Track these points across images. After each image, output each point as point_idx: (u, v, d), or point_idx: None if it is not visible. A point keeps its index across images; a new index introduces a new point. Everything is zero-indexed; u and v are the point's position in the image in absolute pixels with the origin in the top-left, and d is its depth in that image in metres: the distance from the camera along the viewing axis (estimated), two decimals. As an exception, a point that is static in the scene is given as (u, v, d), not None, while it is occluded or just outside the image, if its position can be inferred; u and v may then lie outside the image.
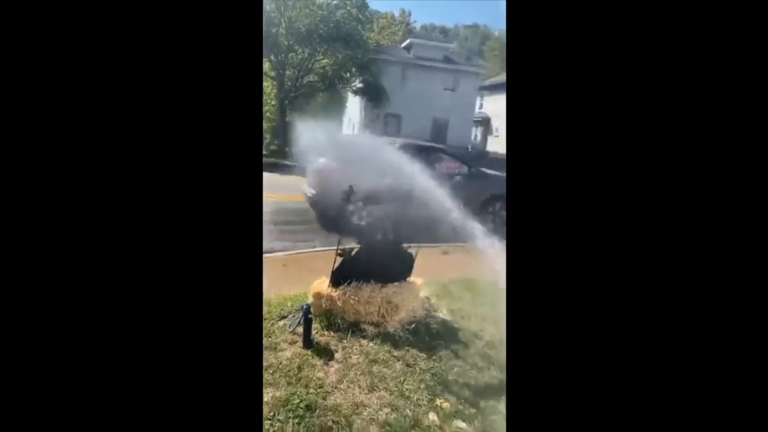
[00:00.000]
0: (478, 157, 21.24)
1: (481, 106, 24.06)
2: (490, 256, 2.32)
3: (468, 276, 3.66)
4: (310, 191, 4.99)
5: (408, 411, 1.80)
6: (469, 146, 20.25)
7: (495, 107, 23.41)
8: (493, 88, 23.78)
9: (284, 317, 2.50)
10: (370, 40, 17.22)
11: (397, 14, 35.45)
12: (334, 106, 17.64)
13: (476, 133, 23.73)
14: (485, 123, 23.85)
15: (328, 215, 3.86)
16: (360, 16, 15.08)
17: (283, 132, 15.75)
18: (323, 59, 15.18)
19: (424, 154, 4.93)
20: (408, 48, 18.55)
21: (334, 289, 2.43)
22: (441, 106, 17.75)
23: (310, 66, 15.21)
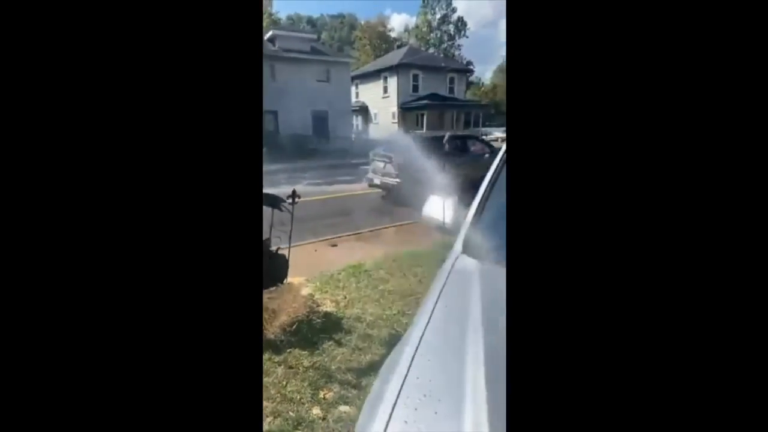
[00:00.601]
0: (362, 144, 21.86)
1: (356, 95, 24.62)
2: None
3: (356, 262, 3.78)
4: (389, 179, 6.96)
5: (291, 413, 1.80)
6: (353, 135, 20.66)
7: (370, 95, 24.24)
8: (365, 77, 24.51)
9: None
10: (228, 34, 15.91)
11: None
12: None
13: (357, 122, 24.29)
14: (364, 111, 24.55)
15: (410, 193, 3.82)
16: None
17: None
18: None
19: (464, 140, 8.16)
20: (272, 40, 17.77)
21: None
22: (317, 98, 17.59)
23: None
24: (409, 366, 0.91)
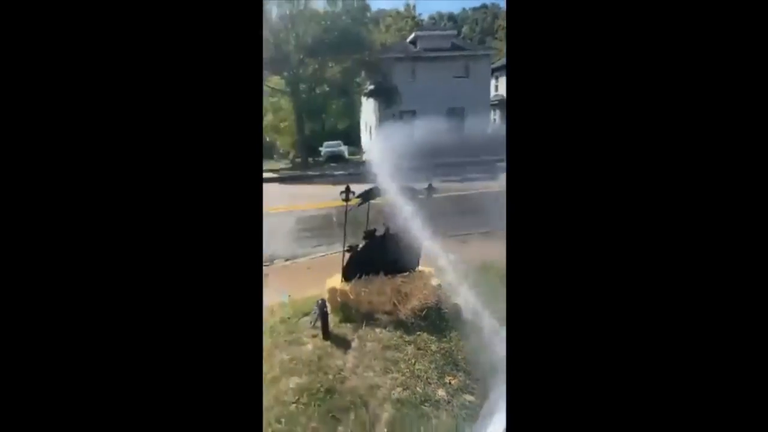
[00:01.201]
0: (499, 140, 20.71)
1: (496, 88, 23.44)
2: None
3: (487, 261, 3.72)
4: None
5: (418, 389, 1.94)
6: (489, 129, 19.83)
7: (513, 87, 22.63)
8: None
9: (307, 314, 2.71)
10: (377, 41, 17.38)
11: (402, 10, 35.32)
12: (350, 112, 17.95)
13: (495, 116, 23.16)
14: (503, 105, 23.22)
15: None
16: (363, 18, 15.29)
17: (303, 145, 16.28)
18: (333, 67, 15.53)
19: None
20: (414, 42, 18.51)
21: (346, 284, 2.61)
22: (454, 94, 17.54)
23: (321, 76, 15.63)
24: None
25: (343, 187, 2.52)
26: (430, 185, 2.77)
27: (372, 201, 2.64)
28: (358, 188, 2.63)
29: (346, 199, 2.49)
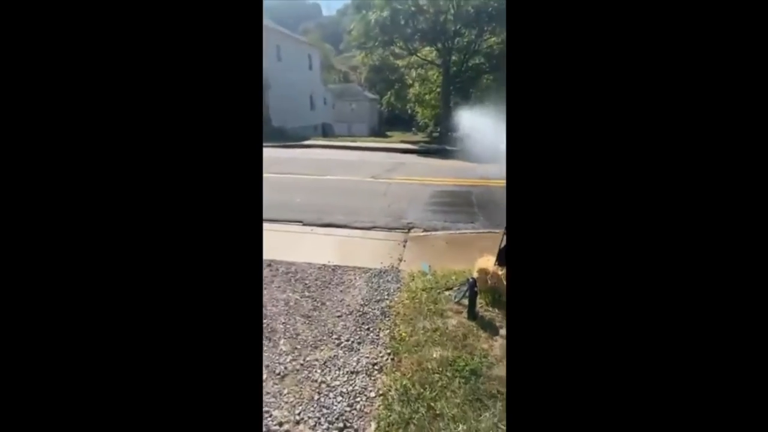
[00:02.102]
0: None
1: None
2: None
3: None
4: None
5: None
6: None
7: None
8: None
9: (449, 289, 2.67)
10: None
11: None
12: (501, 87, 16.80)
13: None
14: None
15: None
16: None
17: (447, 118, 16.06)
18: (490, 38, 14.59)
19: None
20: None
21: (500, 268, 2.44)
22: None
23: (476, 48, 14.89)
24: None
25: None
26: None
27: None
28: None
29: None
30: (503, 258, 2.46)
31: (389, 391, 1.77)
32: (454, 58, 15.31)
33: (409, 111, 22.18)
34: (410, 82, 19.41)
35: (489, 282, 2.47)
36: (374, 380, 1.86)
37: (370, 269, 3.11)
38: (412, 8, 13.77)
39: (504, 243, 2.45)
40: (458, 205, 5.65)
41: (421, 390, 1.77)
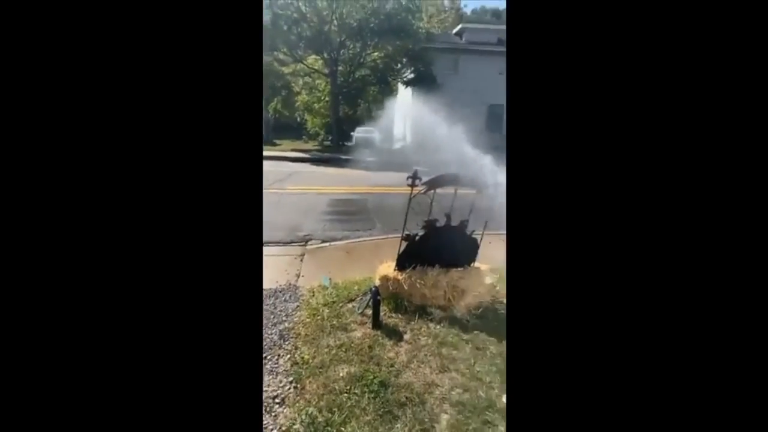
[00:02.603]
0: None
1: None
2: None
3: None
4: None
5: (481, 392, 1.79)
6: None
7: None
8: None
9: (352, 300, 2.59)
10: (420, 30, 16.98)
11: (446, 1, 34.47)
12: (386, 99, 17.70)
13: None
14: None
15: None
16: (410, 5, 14.91)
17: (337, 128, 16.19)
18: (374, 52, 15.30)
19: None
20: (460, 34, 18.00)
21: (400, 273, 2.47)
22: (497, 91, 17.01)
23: (361, 60, 15.41)
24: None
25: (411, 173, 2.36)
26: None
27: (438, 190, 2.47)
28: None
29: (412, 185, 2.33)
30: (403, 263, 2.50)
31: (293, 424, 1.59)
32: (340, 68, 15.55)
33: (298, 119, 21.69)
34: (297, 90, 19.01)
35: (391, 288, 2.48)
36: (275, 416, 1.65)
37: (264, 290, 2.83)
38: (294, 15, 13.54)
39: (402, 248, 2.49)
40: (355, 213, 5.67)
41: (329, 415, 1.64)
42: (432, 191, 2.43)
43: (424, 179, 2.37)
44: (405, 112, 18.38)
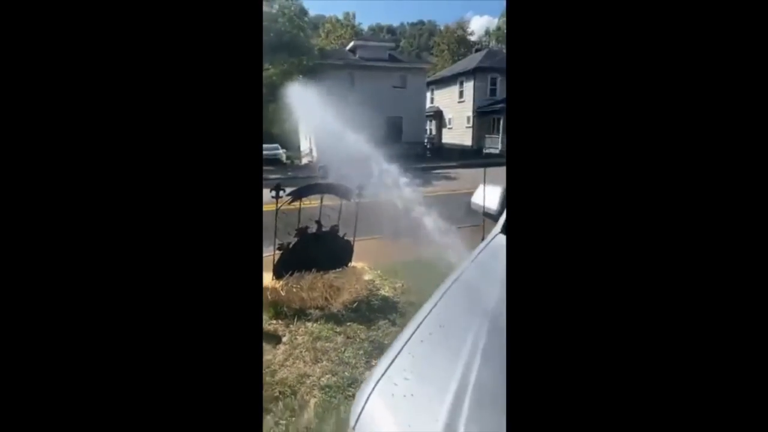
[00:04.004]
0: (437, 149, 21.88)
1: (432, 100, 24.74)
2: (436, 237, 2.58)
3: (415, 258, 3.95)
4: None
5: (346, 374, 2.04)
6: (426, 140, 20.85)
7: (445, 100, 24.17)
8: (441, 82, 24.53)
9: (235, 315, 2.66)
10: (316, 46, 17.34)
11: (341, 17, 35.62)
12: (284, 116, 17.60)
13: (431, 127, 24.37)
14: (438, 116, 24.55)
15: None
16: (300, 23, 15.20)
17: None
18: (269, 69, 15.15)
19: None
20: (353, 50, 18.83)
21: (277, 281, 2.63)
22: (392, 105, 18.14)
23: (256, 77, 15.12)
24: (404, 344, 0.97)
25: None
26: (360, 187, 2.91)
27: (304, 199, 2.70)
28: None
29: (276, 197, 2.52)
30: (279, 271, 2.66)
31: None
32: (235, 86, 15.04)
33: (196, 140, 20.21)
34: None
35: (269, 297, 2.62)
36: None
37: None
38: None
39: (277, 258, 2.65)
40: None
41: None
42: (298, 202, 2.65)
43: (288, 191, 2.58)
44: (309, 128, 18.50)
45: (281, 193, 2.52)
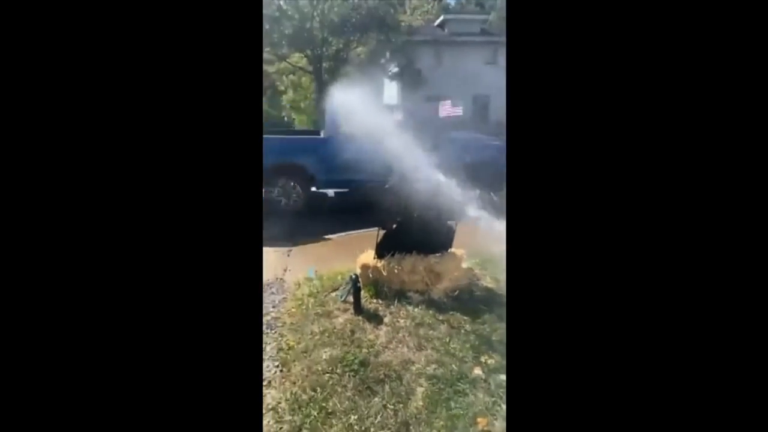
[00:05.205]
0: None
1: (524, 78, 22.81)
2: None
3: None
4: None
5: (454, 366, 1.92)
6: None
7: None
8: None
9: (335, 289, 2.71)
10: (403, 23, 16.98)
11: (429, -8, 34.29)
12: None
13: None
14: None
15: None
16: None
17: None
18: (358, 47, 15.27)
19: None
20: (442, 25, 18.02)
21: (379, 261, 2.59)
22: (481, 82, 17.11)
23: (345, 56, 15.40)
24: None
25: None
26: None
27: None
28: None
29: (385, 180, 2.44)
30: (381, 250, 2.62)
31: (279, 403, 1.71)
32: (325, 65, 15.53)
33: (286, 118, 21.61)
34: (283, 88, 18.94)
35: (371, 276, 2.60)
36: (263, 397, 1.77)
37: (253, 284, 2.93)
38: (276, 13, 13.46)
39: (380, 237, 2.61)
40: (341, 211, 5.76)
41: (312, 393, 1.76)
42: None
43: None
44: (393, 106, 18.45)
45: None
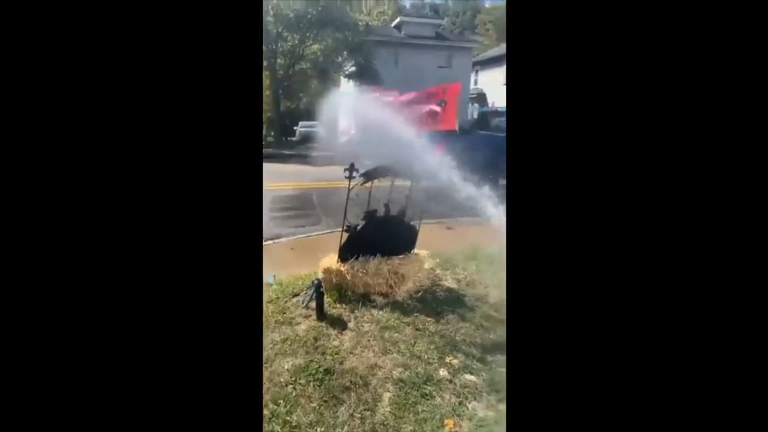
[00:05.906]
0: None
1: (475, 82, 23.73)
2: (495, 226, 2.41)
3: (472, 247, 3.76)
4: None
5: (420, 369, 1.92)
6: (467, 125, 20.17)
7: (490, 81, 23.08)
8: (486, 63, 23.40)
9: (297, 294, 2.61)
10: (360, 22, 16.93)
11: (385, -7, 34.53)
12: (328, 93, 17.47)
13: (472, 110, 23.49)
14: (481, 99, 23.57)
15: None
16: (347, -4, 14.81)
17: (278, 122, 15.69)
18: (314, 45, 14.97)
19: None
20: (398, 27, 18.22)
21: (342, 264, 2.53)
22: (435, 84, 17.51)
23: (301, 53, 15.03)
24: None
25: (347, 166, 2.41)
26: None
27: (375, 181, 2.56)
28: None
29: (350, 177, 2.39)
30: (345, 254, 2.56)
31: (238, 420, 1.60)
32: (280, 61, 15.04)
33: (238, 115, 20.66)
34: (235, 83, 18.05)
35: (334, 280, 2.53)
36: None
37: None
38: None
39: (344, 240, 2.55)
40: (301, 209, 5.60)
41: (275, 407, 1.67)
42: (370, 183, 2.51)
43: (362, 171, 2.44)
44: (349, 105, 18.30)
45: (354, 173, 2.38)
